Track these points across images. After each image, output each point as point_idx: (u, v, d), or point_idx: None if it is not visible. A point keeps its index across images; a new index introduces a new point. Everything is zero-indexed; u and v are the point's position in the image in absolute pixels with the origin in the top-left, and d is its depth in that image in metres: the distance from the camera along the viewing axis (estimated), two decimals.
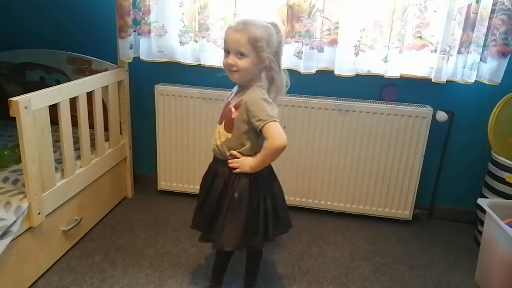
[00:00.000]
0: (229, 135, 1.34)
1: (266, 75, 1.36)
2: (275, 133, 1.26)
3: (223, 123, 1.36)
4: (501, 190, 1.86)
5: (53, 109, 1.58)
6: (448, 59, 1.81)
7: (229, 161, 1.35)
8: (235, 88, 1.42)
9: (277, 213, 1.41)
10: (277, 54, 1.33)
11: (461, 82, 1.89)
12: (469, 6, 1.74)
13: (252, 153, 1.34)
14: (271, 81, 1.35)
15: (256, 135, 1.32)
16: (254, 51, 1.27)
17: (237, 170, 1.34)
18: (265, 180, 1.39)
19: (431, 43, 1.89)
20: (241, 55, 1.27)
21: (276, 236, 1.45)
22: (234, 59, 1.28)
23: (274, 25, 1.32)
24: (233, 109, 1.33)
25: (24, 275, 1.53)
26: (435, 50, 1.86)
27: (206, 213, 1.39)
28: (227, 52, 1.30)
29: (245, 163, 1.33)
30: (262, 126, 1.26)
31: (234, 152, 1.34)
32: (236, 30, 1.27)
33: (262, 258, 1.57)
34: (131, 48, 1.99)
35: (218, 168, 1.38)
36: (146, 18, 1.98)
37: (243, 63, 1.27)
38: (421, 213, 2.21)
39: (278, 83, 1.35)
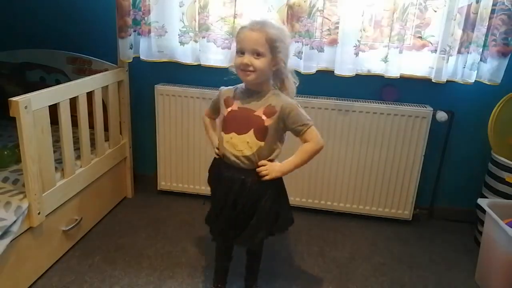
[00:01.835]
0: (262, 143, 1.30)
1: (274, 79, 1.33)
2: (318, 136, 1.31)
3: (251, 132, 1.29)
4: (501, 190, 1.86)
5: (53, 109, 1.58)
6: (448, 59, 1.82)
7: (258, 169, 1.31)
8: (228, 92, 1.37)
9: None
10: (287, 57, 1.30)
11: (461, 82, 1.89)
12: (469, 6, 1.74)
13: (274, 158, 1.35)
14: (282, 85, 1.33)
15: (282, 140, 1.35)
16: (270, 51, 1.24)
17: (267, 177, 1.31)
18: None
19: (431, 43, 1.89)
20: (258, 55, 1.23)
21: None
22: (250, 58, 1.23)
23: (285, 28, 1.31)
24: (264, 117, 1.29)
25: (24, 275, 1.53)
26: (435, 50, 1.86)
27: (231, 223, 1.35)
28: (240, 52, 1.25)
29: (274, 169, 1.32)
30: (305, 131, 1.29)
31: (263, 161, 1.32)
32: (252, 29, 1.23)
33: (262, 258, 1.57)
34: (131, 48, 1.99)
35: (246, 179, 1.31)
36: (146, 18, 1.98)
37: (259, 63, 1.23)
38: (421, 213, 2.20)
39: (289, 87, 1.33)
